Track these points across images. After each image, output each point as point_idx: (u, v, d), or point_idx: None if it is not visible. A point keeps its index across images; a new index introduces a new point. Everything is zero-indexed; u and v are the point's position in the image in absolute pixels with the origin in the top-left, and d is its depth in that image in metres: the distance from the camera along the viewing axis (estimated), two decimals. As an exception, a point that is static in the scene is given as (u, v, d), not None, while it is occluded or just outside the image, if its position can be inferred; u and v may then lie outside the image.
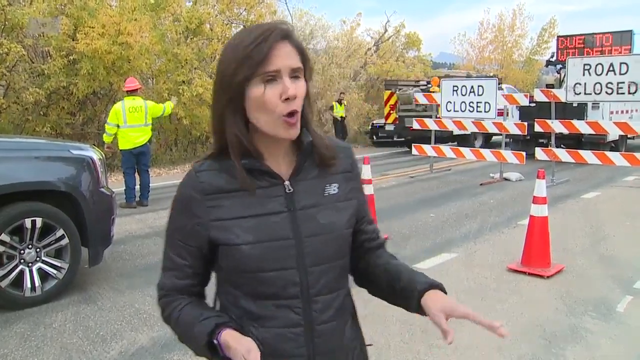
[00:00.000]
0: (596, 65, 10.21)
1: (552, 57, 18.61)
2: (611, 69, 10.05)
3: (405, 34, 33.20)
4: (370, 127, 21.54)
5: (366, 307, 4.83)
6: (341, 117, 19.99)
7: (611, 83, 10.05)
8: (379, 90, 27.07)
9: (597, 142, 13.76)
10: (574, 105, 13.13)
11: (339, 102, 20.20)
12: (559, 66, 17.31)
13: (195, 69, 16.63)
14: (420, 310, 1.39)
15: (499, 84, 12.18)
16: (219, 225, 1.32)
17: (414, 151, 12.84)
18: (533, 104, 12.78)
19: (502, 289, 5.29)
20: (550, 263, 5.67)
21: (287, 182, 1.35)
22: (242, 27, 19.62)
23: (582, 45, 16.88)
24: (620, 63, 9.99)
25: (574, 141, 13.82)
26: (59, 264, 5.04)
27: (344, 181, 1.43)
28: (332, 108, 20.15)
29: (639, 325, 4.44)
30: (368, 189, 7.02)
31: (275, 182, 1.34)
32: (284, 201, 1.34)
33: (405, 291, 1.43)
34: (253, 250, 1.30)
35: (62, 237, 5.00)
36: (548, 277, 5.49)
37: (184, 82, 15.51)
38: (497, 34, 41.39)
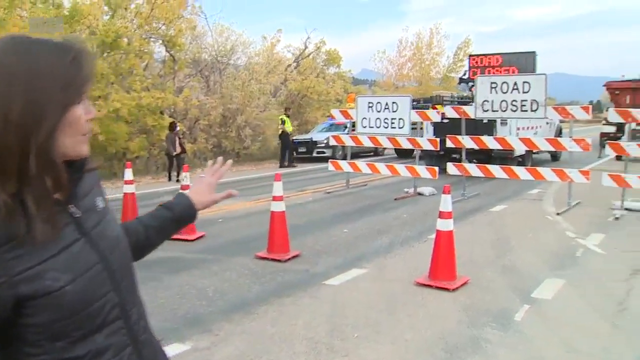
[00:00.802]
0: (502, 84, 10.69)
1: (464, 75, 19.36)
2: (515, 87, 10.55)
3: (326, 50, 33.63)
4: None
5: (273, 326, 4.83)
6: (290, 131, 20.20)
7: (515, 101, 10.55)
8: (299, 107, 27.31)
9: (505, 157, 14.39)
10: (485, 121, 13.69)
11: (287, 116, 20.38)
12: (470, 84, 18.02)
13: (112, 83, 16.18)
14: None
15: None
16: (28, 276, 1.12)
17: (330, 167, 12.98)
18: (447, 120, 13.19)
19: (410, 302, 5.39)
20: (455, 276, 5.83)
21: (71, 207, 1.23)
22: (160, 41, 19.33)
23: (490, 64, 17.68)
24: (523, 82, 10.51)
25: (485, 156, 14.38)
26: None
27: (99, 193, 1.36)
28: (283, 122, 20.07)
29: (534, 333, 4.63)
30: (278, 206, 6.99)
31: (59, 209, 1.20)
32: (75, 227, 1.22)
33: (162, 219, 1.63)
34: (76, 288, 1.18)
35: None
36: (453, 289, 5.64)
37: (99, 97, 15.03)
38: (416, 51, 42.76)
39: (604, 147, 18.49)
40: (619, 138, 20.63)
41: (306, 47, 29.48)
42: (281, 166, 19.27)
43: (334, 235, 8.37)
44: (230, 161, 1.92)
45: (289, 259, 6.93)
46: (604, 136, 21.97)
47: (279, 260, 6.85)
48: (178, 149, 15.64)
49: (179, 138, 16.02)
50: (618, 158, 11.72)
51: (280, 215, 7.06)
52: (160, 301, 5.47)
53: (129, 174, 9.55)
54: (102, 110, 14.39)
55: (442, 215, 5.80)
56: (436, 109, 15.50)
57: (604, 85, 29.04)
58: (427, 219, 9.37)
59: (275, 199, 7.11)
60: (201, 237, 8.22)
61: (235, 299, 5.58)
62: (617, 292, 5.64)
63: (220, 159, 1.84)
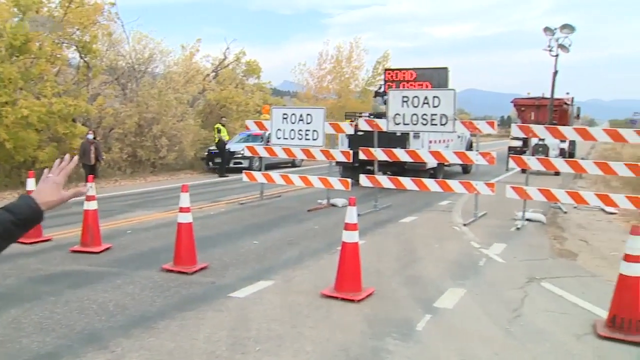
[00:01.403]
0: (413, 98, 10.95)
1: (379, 88, 19.74)
2: (426, 101, 10.83)
3: (246, 61, 33.45)
4: (206, 154, 21.30)
5: (173, 341, 4.68)
6: (225, 140, 20.12)
7: (426, 114, 10.83)
8: (218, 117, 26.94)
9: (418, 170, 14.74)
10: (398, 134, 14.00)
11: (222, 126, 20.37)
12: (385, 97, 18.36)
13: (20, 89, 15.38)
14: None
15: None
16: None
17: (245, 178, 12.86)
18: (361, 133, 13.35)
19: (314, 315, 5.37)
20: (361, 287, 5.86)
21: None
22: (74, 47, 18.56)
23: (404, 78, 18.11)
24: (434, 97, 10.81)
25: (399, 168, 14.66)
26: None
27: None
28: (219, 131, 19.99)
29: (433, 342, 4.72)
30: (185, 217, 6.84)
31: None
32: None
33: (3, 222, 1.57)
34: None
35: None
36: (358, 300, 5.67)
37: (6, 103, 14.24)
38: (336, 64, 43.28)
39: (510, 160, 19.25)
40: (525, 152, 21.68)
41: (225, 57, 29.19)
42: (221, 175, 19.37)
43: (243, 247, 8.26)
44: (76, 158, 1.84)
45: (195, 271, 6.78)
46: (512, 150, 23.01)
47: (185, 273, 6.69)
48: (93, 159, 15.09)
49: (96, 147, 15.42)
50: (523, 171, 12.28)
51: (187, 227, 6.90)
52: (57, 317, 5.20)
53: (31, 184, 8.98)
54: (10, 116, 13.62)
55: (347, 227, 5.83)
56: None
57: (512, 102, 30.51)
58: (337, 230, 9.30)
59: (182, 210, 6.94)
60: (107, 249, 7.93)
61: (137, 313, 5.39)
62: (513, 300, 5.86)
63: (67, 156, 1.78)
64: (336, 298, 5.75)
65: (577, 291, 6.21)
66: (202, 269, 6.88)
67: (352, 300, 5.67)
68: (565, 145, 24.30)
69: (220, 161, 19.92)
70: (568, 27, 18.92)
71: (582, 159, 20.82)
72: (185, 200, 6.94)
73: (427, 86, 17.10)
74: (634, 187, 18.32)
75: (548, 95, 23.57)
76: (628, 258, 4.96)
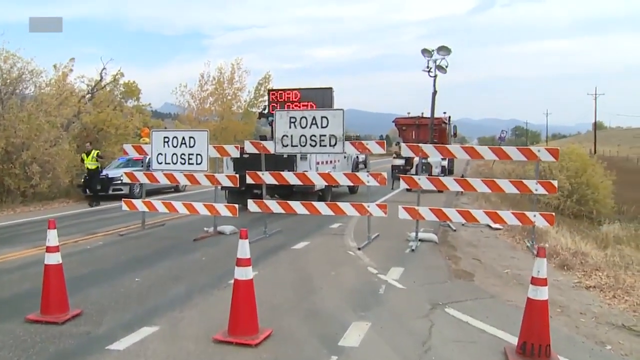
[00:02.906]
0: (301, 119, 10.55)
1: (264, 109, 19.32)
2: (314, 122, 10.47)
3: (124, 82, 31.91)
4: (82, 180, 19.67)
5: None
6: (91, 169, 18.70)
7: (315, 135, 10.46)
8: (96, 141, 25.23)
9: (306, 192, 14.39)
10: (285, 156, 13.57)
11: (87, 153, 18.92)
12: (270, 118, 17.95)
13: None
14: None
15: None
16: None
17: (124, 206, 11.82)
18: (247, 155, 12.76)
19: (206, 365, 4.71)
20: (257, 329, 5.27)
21: None
22: None
23: (289, 99, 17.82)
24: (322, 117, 10.48)
25: (287, 190, 14.23)
26: None
27: None
28: (82, 160, 18.88)
29: (343, 391, 4.23)
30: (53, 258, 5.91)
31: None
32: None
33: None
34: None
35: None
36: (256, 345, 5.07)
37: None
38: (217, 86, 42.47)
39: (396, 179, 19.52)
40: (408, 170, 22.13)
41: (102, 78, 27.53)
42: (90, 205, 18.06)
43: (123, 285, 7.37)
44: None
45: (67, 319, 5.85)
46: (395, 169, 23.43)
47: (55, 323, 5.74)
48: None
49: None
50: (409, 190, 12.27)
51: (56, 268, 5.97)
52: None
53: None
54: None
55: (239, 262, 5.21)
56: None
57: (393, 121, 31.33)
58: (227, 260, 8.72)
59: (49, 250, 6.00)
60: (-47, 299, 6.76)
61: (-12, 383, 4.45)
62: (420, 331, 5.52)
63: None
64: (230, 343, 5.11)
65: (480, 315, 6.01)
66: (75, 316, 5.97)
67: (248, 345, 5.05)
68: (445, 163, 25.21)
69: (90, 189, 18.78)
70: (444, 49, 19.52)
71: (462, 175, 21.56)
72: (53, 238, 6.01)
73: (312, 106, 16.88)
74: (511, 201, 19.23)
75: (427, 114, 24.29)
76: (535, 281, 4.78)
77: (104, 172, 20.04)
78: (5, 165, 18.92)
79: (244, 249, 5.22)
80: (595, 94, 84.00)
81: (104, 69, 27.35)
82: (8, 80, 22.01)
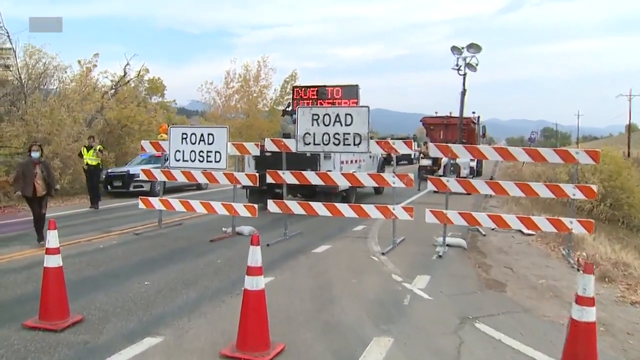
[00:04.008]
0: (324, 116, 10.09)
1: (287, 106, 18.87)
2: (337, 119, 9.99)
3: (148, 79, 31.81)
4: (104, 176, 19.44)
5: None
6: (92, 164, 16.61)
7: (338, 134, 9.98)
8: (119, 137, 25.12)
9: (329, 192, 13.90)
10: (308, 155, 13.09)
11: (88, 147, 16.73)
12: (294, 116, 17.49)
13: None
14: None
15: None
16: None
17: (141, 204, 11.47)
18: (269, 154, 12.32)
19: (209, 386, 4.25)
20: (269, 344, 4.79)
21: None
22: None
23: (315, 97, 17.31)
24: (346, 114, 9.99)
25: (310, 190, 13.77)
26: None
27: None
28: (80, 154, 16.99)
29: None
30: (53, 260, 5.54)
31: None
32: None
33: None
34: None
35: None
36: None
37: None
38: (243, 83, 42.23)
39: (423, 180, 18.95)
40: (436, 171, 21.51)
41: (126, 74, 27.44)
42: (92, 207, 16.44)
43: (131, 289, 6.97)
44: None
45: (66, 327, 5.47)
46: (423, 169, 22.79)
47: (53, 330, 5.36)
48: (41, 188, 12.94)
49: (44, 169, 13.19)
50: (436, 191, 11.71)
51: (56, 271, 5.60)
52: None
53: None
54: None
55: (250, 271, 4.75)
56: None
57: (421, 121, 30.66)
58: (243, 264, 8.16)
59: (49, 252, 5.63)
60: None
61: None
62: (448, 349, 5.00)
63: None
64: (237, 359, 4.65)
65: (514, 332, 5.46)
66: (75, 323, 5.58)
67: (249, 360, 4.59)
68: (474, 164, 24.49)
69: (94, 189, 16.81)
70: (475, 47, 18.89)
71: (492, 177, 20.87)
72: (53, 239, 5.63)
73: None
74: (542, 204, 18.45)
75: (455, 114, 23.63)
76: (581, 301, 4.21)
77: (125, 169, 19.81)
78: (26, 160, 18.81)
79: (255, 256, 4.76)
80: (630, 95, 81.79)
81: (127, 64, 27.27)
82: (33, 76, 21.98)
